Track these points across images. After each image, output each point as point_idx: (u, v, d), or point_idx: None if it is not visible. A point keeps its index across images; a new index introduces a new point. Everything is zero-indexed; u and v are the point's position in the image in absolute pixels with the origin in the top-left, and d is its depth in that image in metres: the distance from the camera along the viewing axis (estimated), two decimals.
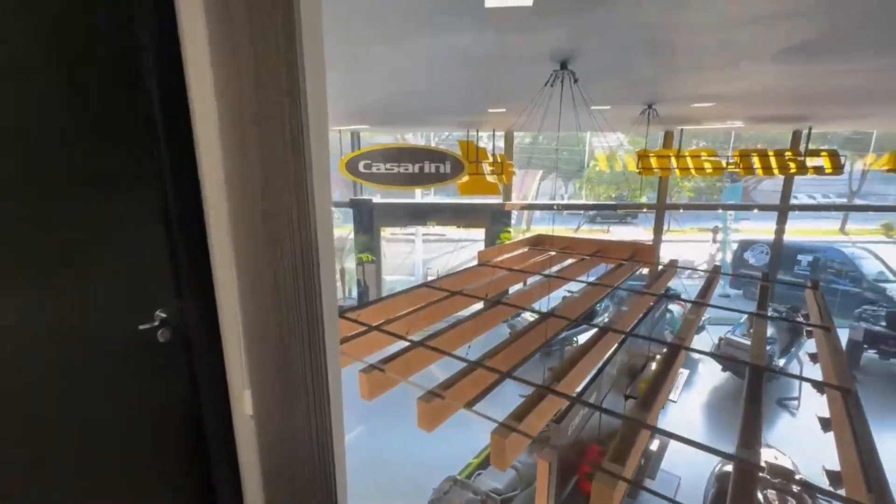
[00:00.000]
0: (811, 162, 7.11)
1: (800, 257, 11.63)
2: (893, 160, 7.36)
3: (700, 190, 16.53)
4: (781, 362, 6.52)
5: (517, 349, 2.36)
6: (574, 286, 3.81)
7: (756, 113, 6.35)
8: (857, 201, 16.60)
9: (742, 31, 2.36)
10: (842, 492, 1.57)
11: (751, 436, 1.71)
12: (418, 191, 11.11)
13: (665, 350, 3.03)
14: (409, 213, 9.66)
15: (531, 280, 3.92)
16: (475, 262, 4.17)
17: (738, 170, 7.22)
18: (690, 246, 15.72)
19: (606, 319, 7.55)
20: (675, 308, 7.54)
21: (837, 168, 7.16)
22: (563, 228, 18.00)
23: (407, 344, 2.23)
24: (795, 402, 6.22)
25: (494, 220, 9.08)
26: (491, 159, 7.09)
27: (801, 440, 5.16)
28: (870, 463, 1.53)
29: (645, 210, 9.59)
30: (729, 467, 3.99)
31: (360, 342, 2.26)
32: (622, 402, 3.29)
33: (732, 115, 6.60)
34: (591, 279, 3.83)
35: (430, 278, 9.63)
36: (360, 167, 8.05)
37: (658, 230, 8.88)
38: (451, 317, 2.79)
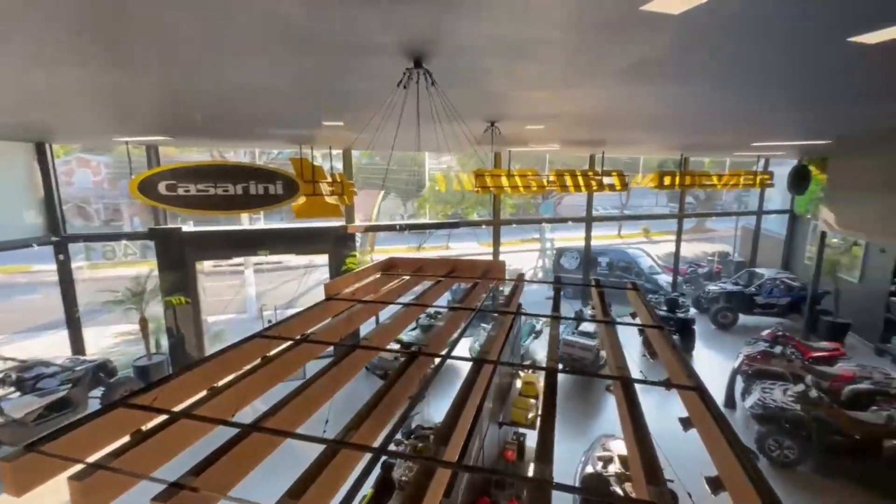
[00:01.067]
0: (606, 180, 8.56)
1: (599, 259, 13.99)
2: (656, 179, 9.41)
3: (519, 206, 18.84)
4: (605, 353, 7.49)
5: (386, 410, 1.86)
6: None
7: (570, 137, 7.26)
8: (626, 212, 21.07)
9: (585, 55, 2.43)
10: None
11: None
12: (245, 216, 9.62)
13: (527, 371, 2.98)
14: (232, 241, 8.18)
15: (389, 311, 3.49)
16: (322, 293, 3.54)
17: (556, 187, 8.19)
18: (518, 256, 17.69)
19: (477, 346, 7.62)
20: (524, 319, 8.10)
21: (624, 186, 8.76)
22: (405, 248, 18.25)
23: (235, 431, 1.51)
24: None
25: (338, 244, 8.38)
26: (329, 178, 6.47)
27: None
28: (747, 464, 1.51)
29: (483, 225, 10.20)
30: (590, 468, 4.26)
31: (159, 442, 1.45)
32: (498, 430, 3.08)
33: (553, 138, 7.42)
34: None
35: (265, 314, 8.23)
36: (161, 188, 6.44)
37: (496, 243, 9.50)
38: (294, 376, 2.13)
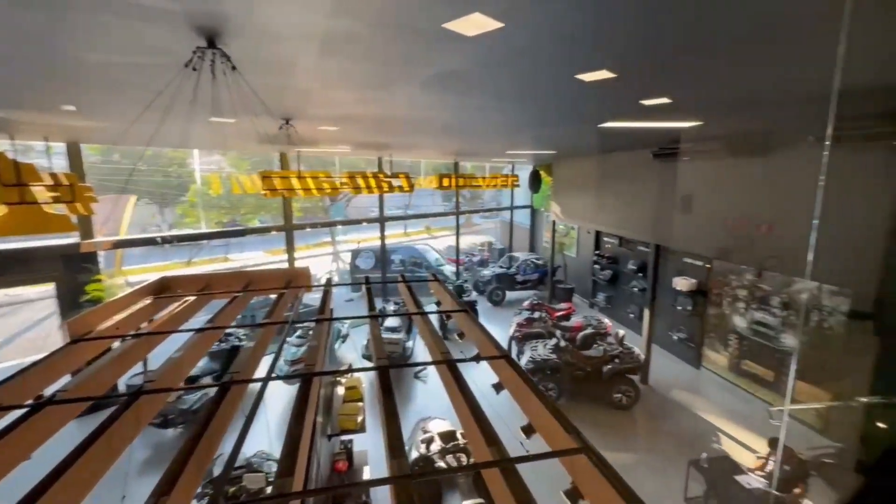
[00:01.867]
0: (395, 182, 9.07)
1: (393, 257, 14.77)
2: (437, 180, 10.53)
3: (307, 210, 18.12)
4: (410, 344, 7.99)
5: (201, 460, 1.52)
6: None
7: (363, 139, 7.35)
8: (410, 211, 22.91)
9: (393, 61, 2.47)
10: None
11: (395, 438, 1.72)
12: None
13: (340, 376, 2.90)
14: None
15: (174, 341, 2.85)
16: (59, 338, 2.59)
17: (350, 189, 8.20)
18: (311, 261, 17.03)
19: (285, 361, 6.86)
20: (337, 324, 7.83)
21: (411, 187, 9.46)
22: (165, 265, 15.14)
23: None
24: (425, 372, 7.78)
25: (70, 267, 6.29)
26: (51, 181, 4.77)
27: (443, 400, 6.46)
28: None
29: (275, 231, 9.36)
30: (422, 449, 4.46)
31: None
32: (327, 443, 2.90)
33: (346, 140, 7.36)
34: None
35: None
36: None
37: (291, 249, 8.87)
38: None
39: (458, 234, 13.94)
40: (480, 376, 2.02)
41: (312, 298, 9.35)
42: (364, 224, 12.50)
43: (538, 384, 6.74)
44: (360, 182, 8.43)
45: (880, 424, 2.54)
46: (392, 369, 2.16)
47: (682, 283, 8.26)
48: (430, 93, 3.32)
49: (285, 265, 9.45)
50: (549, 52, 2.39)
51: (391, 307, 9.30)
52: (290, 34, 2.11)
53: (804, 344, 6.45)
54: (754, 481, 4.67)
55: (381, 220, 10.91)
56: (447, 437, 4.46)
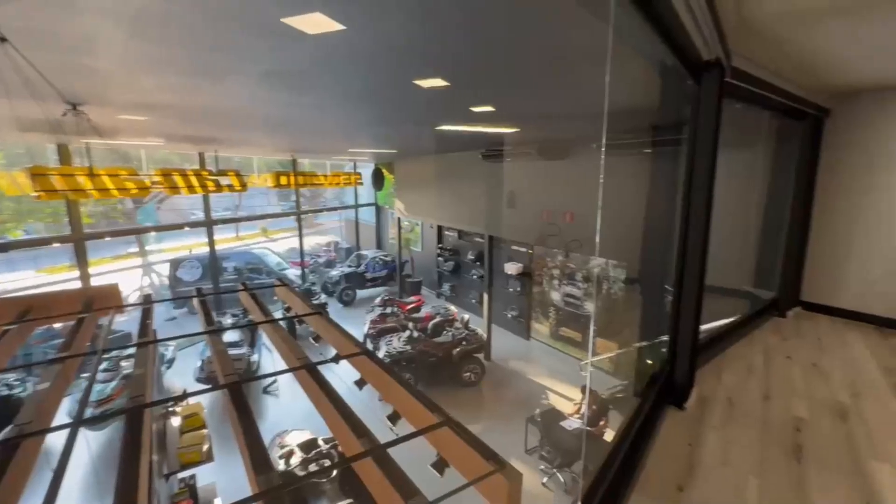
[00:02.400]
0: (224, 181, 8.08)
1: (225, 264, 13.17)
2: (274, 178, 9.76)
3: (99, 215, 14.70)
4: (255, 358, 7.30)
5: None
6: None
7: (181, 132, 6.32)
8: (241, 213, 20.72)
9: (223, 50, 2.21)
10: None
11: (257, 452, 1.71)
12: None
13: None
14: None
15: None
16: None
17: (164, 189, 6.99)
18: (112, 277, 13.90)
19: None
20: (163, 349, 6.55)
21: (243, 186, 8.57)
22: None
23: None
24: (276, 385, 7.22)
25: None
26: None
27: (297, 412, 6.11)
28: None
29: (57, 243, 7.33)
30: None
31: None
32: (164, 484, 2.51)
33: (158, 132, 6.22)
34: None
35: None
36: None
37: (84, 265, 7.11)
38: None
39: (301, 235, 13.20)
40: (345, 376, 2.04)
41: (121, 322, 7.70)
42: (186, 229, 10.78)
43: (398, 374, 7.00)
44: (179, 180, 7.26)
45: (648, 361, 3.43)
46: (241, 385, 1.99)
47: (511, 268, 9.49)
48: (267, 87, 3.11)
49: (76, 284, 7.52)
50: (389, 57, 2.50)
51: (228, 320, 8.32)
52: (85, 5, 1.74)
53: (599, 308, 8.14)
54: (573, 423, 5.75)
55: (209, 224, 9.60)
56: (308, 446, 4.28)
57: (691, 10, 1.78)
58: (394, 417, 2.19)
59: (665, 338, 3.04)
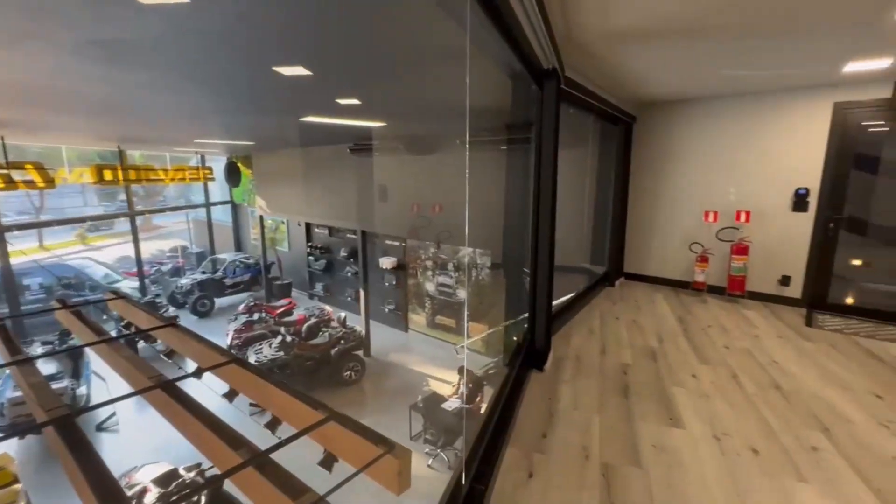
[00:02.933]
0: (19, 175, 6.41)
1: (27, 282, 10.53)
2: (95, 173, 8.07)
3: None
4: (84, 390, 6.02)
5: None
6: None
7: None
8: (45, 216, 16.77)
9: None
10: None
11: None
12: None
13: None
14: None
15: None
16: None
17: None
18: None
19: None
20: None
21: (49, 182, 6.93)
22: None
23: None
24: (114, 418, 6.07)
25: None
26: None
27: (146, 446, 5.22)
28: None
29: None
30: None
31: None
32: None
33: None
34: None
35: None
36: None
37: None
38: None
39: (136, 241, 11.24)
40: (210, 393, 1.87)
41: None
42: None
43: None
44: None
45: (514, 338, 3.86)
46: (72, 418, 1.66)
47: (386, 262, 9.55)
48: (84, 59, 2.57)
49: None
50: (243, 38, 2.31)
51: (38, 349, 6.67)
52: None
53: (470, 294, 8.74)
54: (453, 403, 6.11)
55: (0, 232, 7.52)
56: (166, 479, 3.72)
57: (531, 23, 2.05)
58: (273, 424, 2.09)
59: (527, 314, 3.46)
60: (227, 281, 11.84)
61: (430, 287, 9.27)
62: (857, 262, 4.60)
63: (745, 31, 2.75)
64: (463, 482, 1.92)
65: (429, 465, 5.63)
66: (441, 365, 8.27)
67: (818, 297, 4.72)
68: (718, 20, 2.55)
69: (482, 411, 6.16)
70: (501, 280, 6.74)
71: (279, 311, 9.33)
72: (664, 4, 2.31)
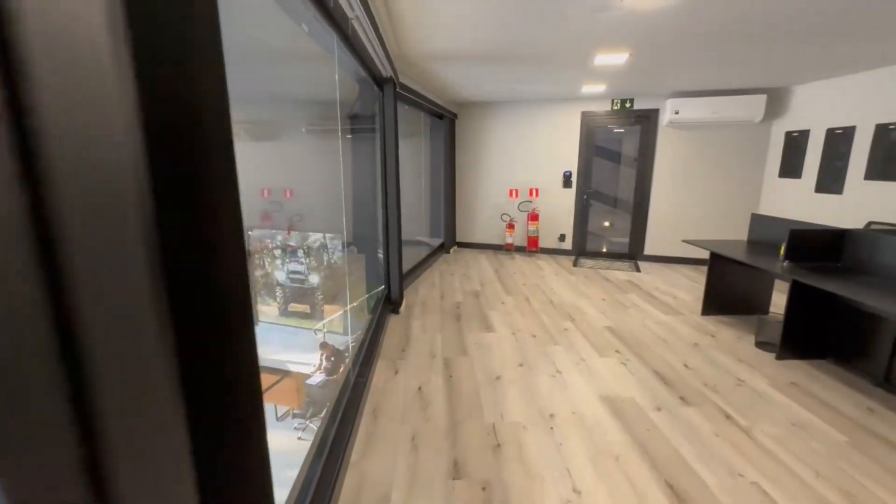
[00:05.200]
0: None
1: None
2: None
3: None
4: None
5: None
6: None
7: None
8: None
9: None
10: None
11: None
12: None
13: None
14: None
15: None
16: None
17: None
18: None
19: None
20: None
21: None
22: None
23: None
24: None
25: None
26: None
27: None
28: None
29: None
30: None
31: None
32: None
33: None
34: None
35: None
36: None
37: None
38: None
39: None
40: None
41: None
42: None
43: None
44: None
45: (368, 315, 4.64)
46: None
47: None
48: None
49: None
50: None
51: None
52: None
53: (323, 278, 9.15)
54: (317, 378, 6.60)
55: None
56: None
57: (374, 48, 2.82)
58: None
59: (382, 287, 4.28)
60: None
61: (280, 276, 9.31)
62: (606, 224, 6.77)
63: (513, 61, 4.03)
64: (350, 378, 2.66)
65: (299, 438, 6.05)
66: (300, 350, 8.51)
67: (581, 247, 6.78)
68: (495, 53, 3.74)
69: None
70: (354, 258, 7.43)
71: None
72: (458, 41, 3.35)
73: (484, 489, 1.94)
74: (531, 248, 6.78)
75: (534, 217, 6.68)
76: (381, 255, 4.29)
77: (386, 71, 3.49)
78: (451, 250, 7.05)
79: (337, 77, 2.72)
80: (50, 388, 0.27)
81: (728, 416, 2.51)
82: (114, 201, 0.31)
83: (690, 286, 5.14)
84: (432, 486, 1.96)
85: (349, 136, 5.78)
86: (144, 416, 0.35)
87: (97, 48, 0.30)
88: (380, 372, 2.99)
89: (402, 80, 4.18)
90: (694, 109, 5.49)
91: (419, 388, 2.80)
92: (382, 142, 3.93)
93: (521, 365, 3.11)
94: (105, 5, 0.30)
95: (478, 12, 2.71)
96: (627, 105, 6.14)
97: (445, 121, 6.66)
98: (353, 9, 2.15)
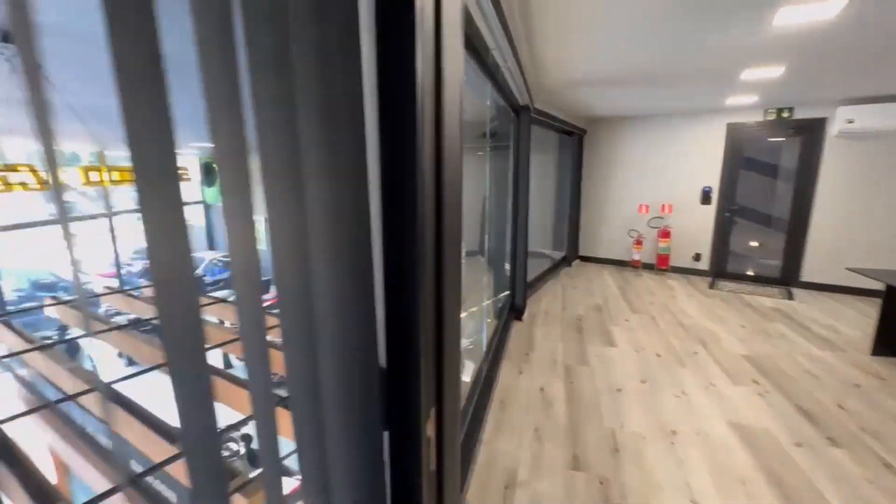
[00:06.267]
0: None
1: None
2: (83, 174, 8.49)
3: None
4: None
5: None
6: None
7: None
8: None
9: None
10: None
11: None
12: None
13: None
14: None
15: None
16: None
17: None
18: None
19: None
20: None
21: (43, 184, 7.38)
22: None
23: None
24: None
25: None
26: None
27: None
28: None
29: None
30: None
31: None
32: None
33: None
34: None
35: None
36: None
37: None
38: None
39: (114, 241, 11.51)
40: None
41: None
42: None
43: None
44: None
45: (488, 319, 5.09)
46: None
47: None
48: None
49: None
50: None
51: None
52: None
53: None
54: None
55: None
56: None
57: (516, 83, 3.22)
58: None
59: (506, 293, 4.66)
60: (208, 279, 12.33)
61: None
62: (754, 244, 6.17)
63: (653, 84, 4.06)
64: (482, 371, 3.08)
65: None
66: None
67: (719, 267, 6.26)
68: (634, 78, 3.84)
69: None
70: (479, 266, 7.95)
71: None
72: (596, 70, 3.55)
73: (601, 483, 2.16)
74: (661, 265, 6.49)
75: (665, 234, 6.39)
76: (507, 266, 4.67)
77: (523, 100, 3.88)
78: (574, 264, 7.11)
79: (488, 116, 3.18)
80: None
81: (888, 465, 2.27)
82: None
83: (858, 320, 4.44)
84: (554, 472, 2.24)
85: (479, 153, 6.30)
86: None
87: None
88: (506, 371, 3.36)
89: (537, 104, 4.52)
90: (873, 117, 4.74)
91: (541, 389, 3.09)
92: (515, 163, 4.32)
93: (643, 381, 3.18)
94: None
95: (619, 43, 2.92)
96: (785, 114, 5.53)
97: (574, 137, 6.79)
98: (505, 60, 2.58)
